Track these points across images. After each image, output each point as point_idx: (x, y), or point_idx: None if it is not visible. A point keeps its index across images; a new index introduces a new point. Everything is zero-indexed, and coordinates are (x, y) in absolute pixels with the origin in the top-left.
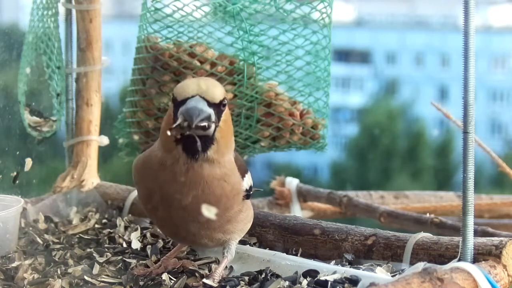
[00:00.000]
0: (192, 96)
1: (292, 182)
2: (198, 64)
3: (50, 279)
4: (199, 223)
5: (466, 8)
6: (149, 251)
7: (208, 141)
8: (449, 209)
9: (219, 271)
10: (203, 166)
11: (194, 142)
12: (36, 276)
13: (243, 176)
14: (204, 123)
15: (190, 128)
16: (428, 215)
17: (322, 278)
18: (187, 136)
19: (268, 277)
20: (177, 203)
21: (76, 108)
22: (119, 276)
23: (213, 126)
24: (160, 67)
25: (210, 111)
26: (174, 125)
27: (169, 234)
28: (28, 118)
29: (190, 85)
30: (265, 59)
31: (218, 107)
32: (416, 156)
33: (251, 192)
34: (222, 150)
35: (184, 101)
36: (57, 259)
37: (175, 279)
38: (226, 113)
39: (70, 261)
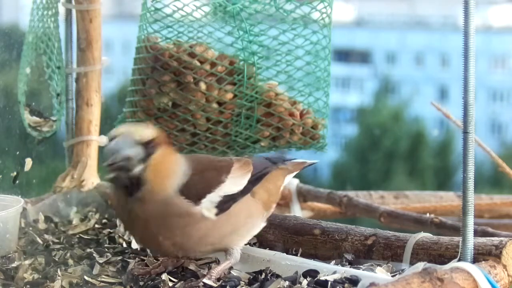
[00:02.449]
0: (116, 137)
1: (292, 182)
2: (198, 64)
3: (50, 279)
4: (172, 246)
5: (466, 8)
6: (149, 251)
7: (138, 181)
8: (449, 209)
9: (217, 270)
10: (142, 206)
11: (120, 182)
12: (36, 276)
13: (200, 196)
14: (121, 164)
15: (110, 168)
16: (428, 215)
17: (322, 278)
18: (115, 175)
19: (268, 277)
20: (137, 235)
21: (76, 108)
22: (119, 276)
23: (138, 167)
24: (160, 67)
25: (130, 152)
26: (104, 164)
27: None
28: (28, 118)
29: (120, 128)
30: (265, 59)
31: (145, 147)
32: (416, 156)
33: (230, 202)
34: (157, 188)
35: (110, 140)
36: (57, 259)
37: (175, 280)
38: (160, 155)
39: (70, 261)
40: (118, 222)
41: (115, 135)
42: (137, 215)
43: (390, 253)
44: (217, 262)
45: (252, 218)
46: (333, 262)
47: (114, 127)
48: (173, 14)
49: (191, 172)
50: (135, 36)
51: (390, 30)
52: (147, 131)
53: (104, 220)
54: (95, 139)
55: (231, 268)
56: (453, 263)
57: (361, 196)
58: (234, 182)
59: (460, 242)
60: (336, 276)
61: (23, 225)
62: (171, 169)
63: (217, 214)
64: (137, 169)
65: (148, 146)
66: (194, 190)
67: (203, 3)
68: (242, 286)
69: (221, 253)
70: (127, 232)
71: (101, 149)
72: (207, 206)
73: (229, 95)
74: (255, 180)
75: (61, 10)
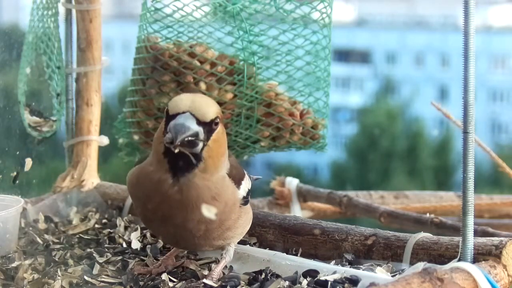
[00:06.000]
0: (183, 112)
1: (292, 182)
2: (198, 64)
3: (50, 279)
4: (195, 237)
5: (466, 8)
6: (149, 251)
7: (195, 158)
8: (449, 209)
9: (218, 270)
10: (191, 186)
11: (179, 158)
12: (36, 276)
13: (239, 184)
14: (190, 139)
15: (174, 144)
16: (428, 215)
17: (322, 278)
18: (174, 152)
19: (268, 277)
20: (169, 221)
21: (76, 108)
22: (119, 276)
23: (200, 144)
24: (160, 67)
25: (198, 129)
26: (164, 139)
27: (169, 243)
28: (28, 118)
29: (183, 101)
30: (265, 59)
31: (209, 125)
32: (415, 156)
33: (249, 197)
34: (210, 169)
35: (174, 116)
36: (57, 259)
37: (175, 280)
38: (218, 132)
39: (70, 261)
40: (118, 222)
41: (181, 110)
42: (186, 197)
43: (390, 253)
44: (217, 262)
45: (251, 222)
46: (333, 262)
47: (115, 127)
48: (173, 14)
49: (229, 156)
50: (135, 36)
51: (390, 30)
52: (211, 110)
53: (104, 220)
54: (95, 139)
55: (231, 268)
56: (453, 263)
57: (361, 196)
58: (249, 183)
59: (460, 242)
60: (336, 276)
61: (23, 225)
62: (224, 149)
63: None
64: (199, 147)
65: (210, 125)
66: (236, 174)
67: (203, 3)
68: (242, 286)
69: (219, 252)
70: (150, 225)
71: (101, 149)
72: (242, 194)
73: (229, 95)
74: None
75: (61, 10)
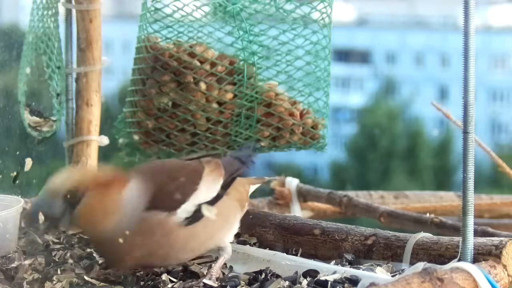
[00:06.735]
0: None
1: (292, 182)
2: (198, 64)
3: (50, 279)
4: (154, 259)
5: (466, 8)
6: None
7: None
8: (449, 209)
9: (216, 269)
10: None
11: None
12: (36, 276)
13: (174, 209)
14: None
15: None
16: (428, 215)
17: (322, 278)
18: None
19: (268, 277)
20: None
21: (76, 108)
22: (119, 276)
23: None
24: (160, 67)
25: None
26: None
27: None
28: (28, 118)
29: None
30: (265, 59)
31: (70, 198)
32: (415, 156)
33: (204, 211)
34: (98, 222)
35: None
36: (57, 259)
37: (175, 280)
38: (89, 203)
39: (70, 261)
40: None
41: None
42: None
43: (390, 253)
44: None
45: (229, 218)
46: (333, 262)
47: (115, 127)
48: (173, 14)
49: (155, 186)
50: (135, 36)
51: (390, 30)
52: (66, 183)
53: None
54: (95, 139)
55: (231, 268)
56: (453, 263)
57: (361, 196)
58: (207, 189)
59: (460, 242)
60: (336, 276)
61: (23, 225)
62: (109, 208)
63: (191, 223)
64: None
65: (73, 197)
66: (167, 201)
67: (203, 3)
68: (242, 286)
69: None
70: None
71: (101, 149)
72: (182, 215)
73: (229, 95)
74: (227, 186)
75: (61, 10)
